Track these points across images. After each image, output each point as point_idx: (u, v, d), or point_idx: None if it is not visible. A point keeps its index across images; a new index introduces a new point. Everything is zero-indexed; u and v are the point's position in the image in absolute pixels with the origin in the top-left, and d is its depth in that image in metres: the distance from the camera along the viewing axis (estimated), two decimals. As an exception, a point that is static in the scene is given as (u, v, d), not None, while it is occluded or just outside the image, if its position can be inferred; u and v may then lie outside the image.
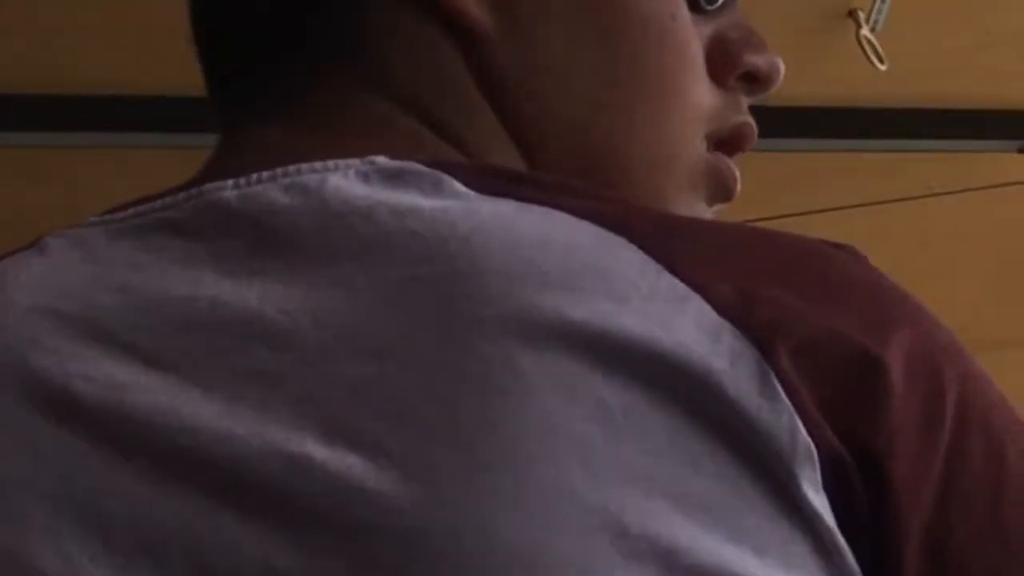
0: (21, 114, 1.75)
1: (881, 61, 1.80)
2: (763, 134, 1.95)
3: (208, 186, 0.65)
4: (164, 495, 0.57)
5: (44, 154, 1.80)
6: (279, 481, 0.56)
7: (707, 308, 0.58)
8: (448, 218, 0.60)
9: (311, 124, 0.71)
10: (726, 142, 0.80)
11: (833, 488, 0.56)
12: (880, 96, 1.89)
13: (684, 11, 0.75)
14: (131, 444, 0.58)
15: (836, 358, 0.58)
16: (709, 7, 0.77)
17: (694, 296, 0.58)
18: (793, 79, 1.84)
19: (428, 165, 0.63)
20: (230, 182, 0.65)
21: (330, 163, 0.64)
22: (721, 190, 0.80)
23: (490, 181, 0.63)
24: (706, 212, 0.79)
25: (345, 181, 0.63)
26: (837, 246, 0.65)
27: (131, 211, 0.67)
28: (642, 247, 0.60)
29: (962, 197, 2.02)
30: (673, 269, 0.59)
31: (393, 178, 0.63)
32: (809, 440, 0.56)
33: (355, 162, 0.64)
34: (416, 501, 0.54)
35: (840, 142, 1.93)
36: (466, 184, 0.63)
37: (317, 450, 0.56)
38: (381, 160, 0.64)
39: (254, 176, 0.65)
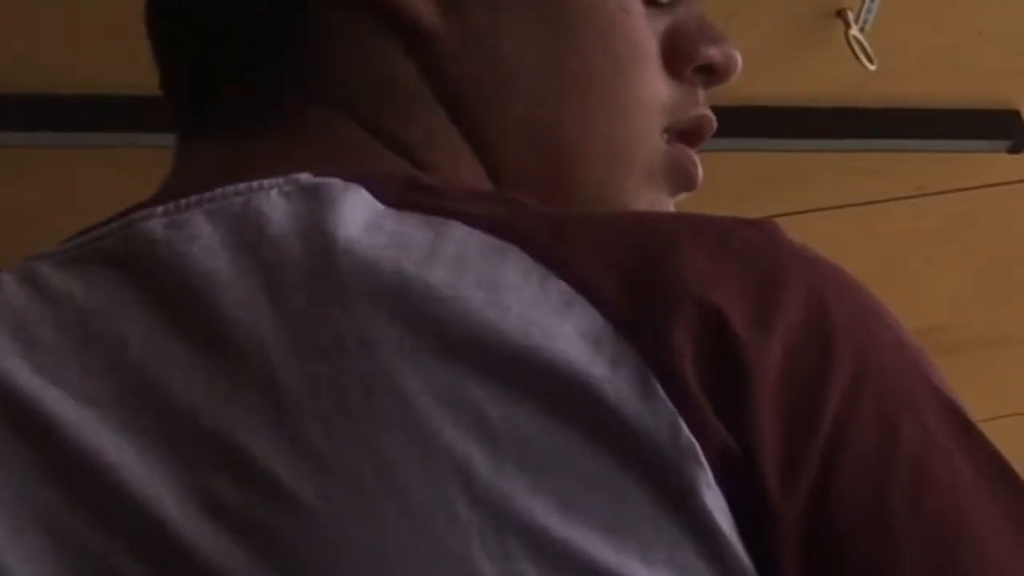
0: (17, 114, 1.74)
1: (870, 60, 1.80)
2: (752, 133, 1.96)
3: (137, 215, 0.65)
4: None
5: (40, 154, 1.79)
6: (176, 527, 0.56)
7: (591, 311, 0.57)
8: (350, 235, 0.60)
9: (252, 137, 0.70)
10: (686, 134, 0.79)
11: (729, 482, 0.55)
12: (869, 95, 1.89)
13: (637, 4, 0.74)
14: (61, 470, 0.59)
15: (716, 344, 0.56)
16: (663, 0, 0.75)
17: (579, 299, 0.57)
18: (782, 78, 1.85)
19: (346, 179, 0.63)
20: (159, 209, 0.65)
21: (254, 184, 0.64)
22: (683, 181, 0.79)
23: (404, 193, 0.63)
24: (669, 204, 0.78)
25: (267, 203, 0.63)
26: (746, 222, 0.63)
27: (74, 242, 0.67)
28: (531, 252, 0.59)
29: (951, 197, 2.02)
30: (561, 272, 0.58)
31: (310, 195, 0.62)
32: (692, 438, 0.55)
33: (279, 181, 0.63)
34: (308, 541, 0.54)
35: (829, 142, 1.93)
36: (380, 198, 0.62)
37: (219, 486, 0.56)
38: (304, 176, 0.64)
39: (183, 202, 0.65)
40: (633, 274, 0.58)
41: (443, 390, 0.55)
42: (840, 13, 1.80)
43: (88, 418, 0.59)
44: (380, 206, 0.62)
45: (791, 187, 1.97)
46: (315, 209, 0.61)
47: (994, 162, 2.01)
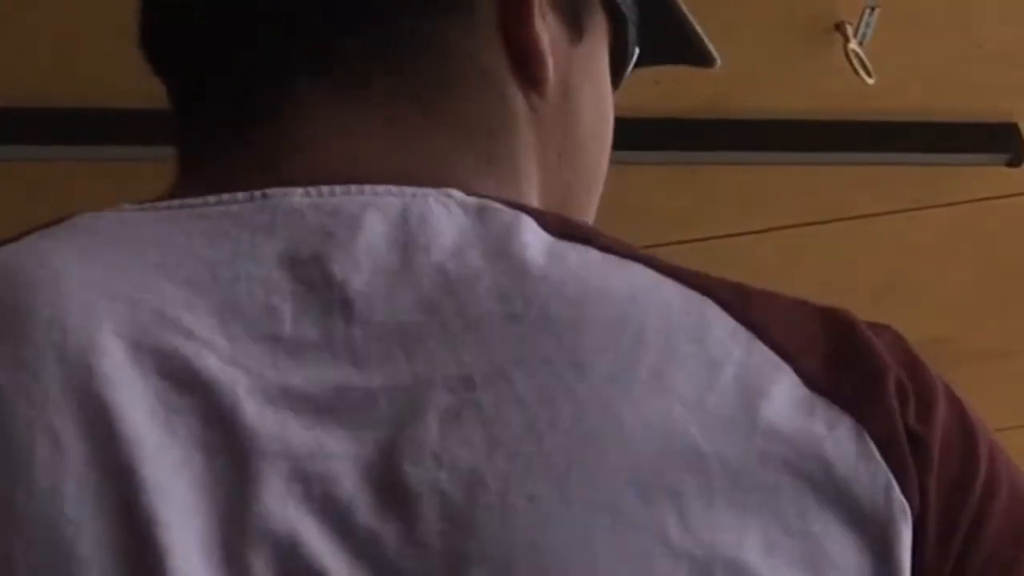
0: (16, 127, 1.74)
1: (868, 74, 1.80)
2: (751, 147, 1.96)
3: (273, 190, 0.66)
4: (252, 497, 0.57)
5: (40, 168, 1.79)
6: (369, 504, 0.57)
7: (797, 379, 0.63)
8: (539, 260, 0.64)
9: (366, 136, 0.71)
10: None
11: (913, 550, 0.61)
12: (868, 109, 1.90)
13: None
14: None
15: (895, 435, 0.62)
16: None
17: (784, 366, 0.63)
18: (781, 92, 1.85)
19: (506, 204, 0.67)
20: (300, 190, 0.65)
21: (407, 189, 0.66)
22: None
23: (563, 228, 0.67)
24: None
25: (429, 211, 0.65)
26: (879, 326, 0.68)
27: (181, 202, 0.67)
28: (729, 311, 0.64)
29: (949, 210, 2.03)
30: (763, 336, 0.63)
31: (476, 213, 0.66)
32: (904, 499, 0.61)
33: (432, 192, 0.66)
34: (509, 533, 0.57)
35: (829, 155, 1.93)
36: (544, 228, 0.66)
37: (410, 468, 0.58)
38: (458, 194, 0.67)
39: (325, 189, 0.66)
40: (834, 350, 0.64)
41: (657, 420, 0.59)
42: (839, 27, 1.81)
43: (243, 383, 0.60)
44: (549, 236, 0.66)
45: (791, 200, 1.97)
46: (494, 230, 0.65)
47: (992, 175, 2.01)
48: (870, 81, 1.80)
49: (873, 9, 1.79)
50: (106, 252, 0.64)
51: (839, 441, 0.61)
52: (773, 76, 1.85)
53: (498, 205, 0.66)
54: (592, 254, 0.65)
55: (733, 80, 1.83)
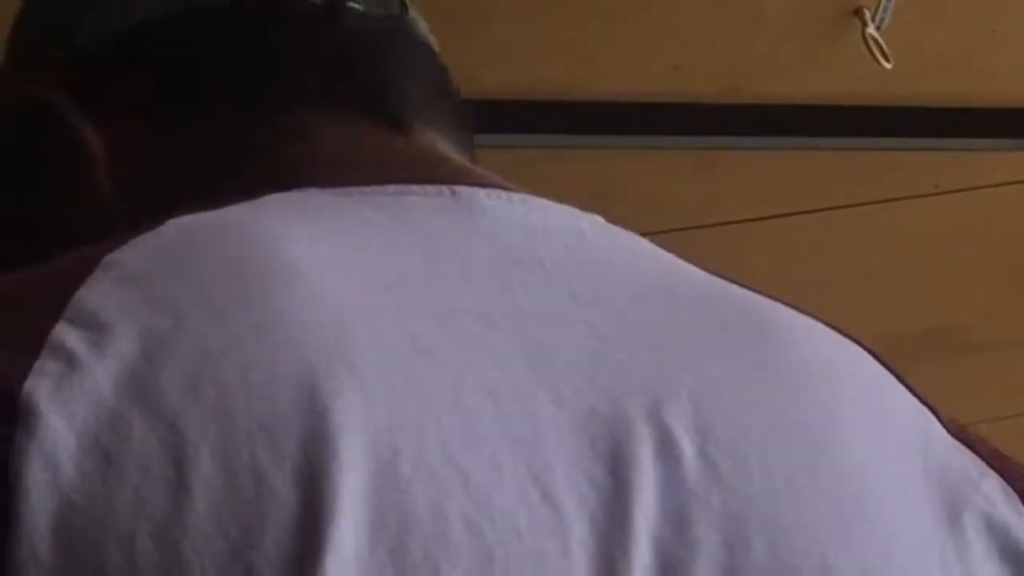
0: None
1: (887, 59, 1.80)
2: (770, 132, 1.96)
3: (460, 188, 0.68)
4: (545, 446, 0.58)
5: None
6: (653, 460, 0.59)
7: (941, 427, 0.66)
8: (741, 303, 0.69)
9: (423, 136, 0.77)
10: None
11: None
12: (886, 94, 1.90)
13: None
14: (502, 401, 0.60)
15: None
16: None
17: (930, 415, 0.67)
18: (799, 77, 1.86)
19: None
20: (481, 191, 0.68)
21: (556, 205, 0.70)
22: None
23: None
24: None
25: (584, 224, 0.70)
26: None
27: (367, 188, 0.69)
28: (874, 356, 0.70)
29: (968, 195, 2.03)
30: (906, 386, 0.68)
31: (630, 237, 0.70)
32: None
33: (581, 213, 0.70)
34: (776, 505, 0.59)
35: (847, 140, 1.94)
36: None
37: (681, 434, 0.60)
38: (599, 219, 0.71)
39: (503, 193, 0.69)
40: (985, 445, 0.68)
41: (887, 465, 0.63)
42: (857, 12, 1.81)
43: None
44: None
45: (806, 186, 1.98)
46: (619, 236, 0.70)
47: (1011, 161, 2.02)
48: (888, 66, 1.80)
49: (891, -5, 1.80)
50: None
51: (992, 488, 0.65)
52: (792, 62, 1.85)
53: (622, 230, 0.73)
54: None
55: (752, 66, 1.83)
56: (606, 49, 1.67)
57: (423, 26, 0.84)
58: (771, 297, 0.70)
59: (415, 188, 0.68)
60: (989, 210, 2.07)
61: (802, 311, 0.69)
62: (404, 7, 0.82)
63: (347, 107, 0.76)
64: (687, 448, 0.59)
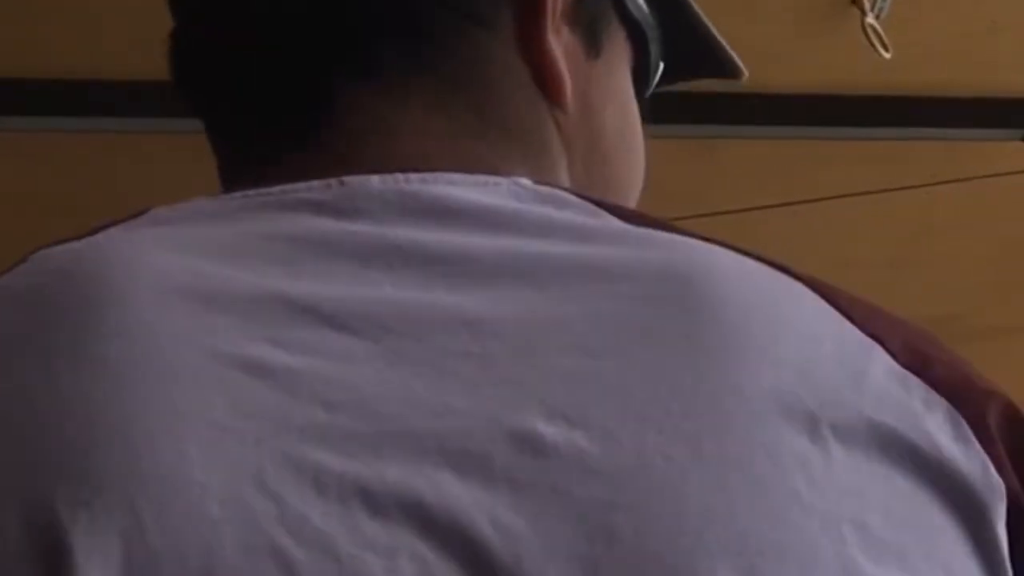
0: (20, 99, 1.75)
1: (886, 49, 1.80)
2: (767, 120, 1.96)
3: (350, 178, 0.67)
4: (375, 455, 0.57)
5: (42, 138, 1.80)
6: (506, 454, 0.57)
7: (888, 359, 0.64)
8: (647, 242, 0.66)
9: (428, 133, 0.74)
10: None
11: (1009, 528, 0.63)
12: (884, 84, 1.90)
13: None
14: (336, 408, 0.58)
15: (985, 421, 0.65)
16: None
17: (876, 346, 0.64)
18: (798, 66, 1.85)
19: (572, 193, 0.69)
20: (375, 178, 0.67)
21: (473, 177, 0.68)
22: None
23: (630, 216, 0.69)
24: None
25: (495, 197, 0.67)
26: None
27: (257, 192, 0.68)
28: (816, 291, 0.66)
29: (965, 185, 2.03)
30: (849, 318, 0.65)
31: (547, 200, 0.68)
32: (1000, 479, 0.63)
33: (501, 179, 0.68)
34: (649, 483, 0.58)
35: (844, 130, 1.94)
36: (618, 216, 0.68)
37: (543, 427, 0.58)
38: (526, 182, 0.69)
39: (400, 176, 0.67)
40: (917, 338, 0.67)
41: (772, 388, 0.61)
42: (856, 2, 1.81)
43: (366, 356, 0.60)
44: (628, 225, 0.68)
45: (805, 175, 1.98)
46: (565, 210, 0.68)
47: (1009, 151, 2.02)
48: (887, 56, 1.80)
49: (890, -16, 1.79)
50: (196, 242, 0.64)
51: (937, 422, 0.63)
52: (789, 50, 1.85)
53: (565, 193, 0.69)
54: (675, 237, 0.67)
55: (750, 54, 1.83)
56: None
57: None
58: (710, 240, 0.68)
59: (302, 186, 0.67)
60: (988, 199, 2.07)
61: (740, 250, 0.68)
62: None
63: (275, 93, 0.75)
64: (549, 438, 0.58)
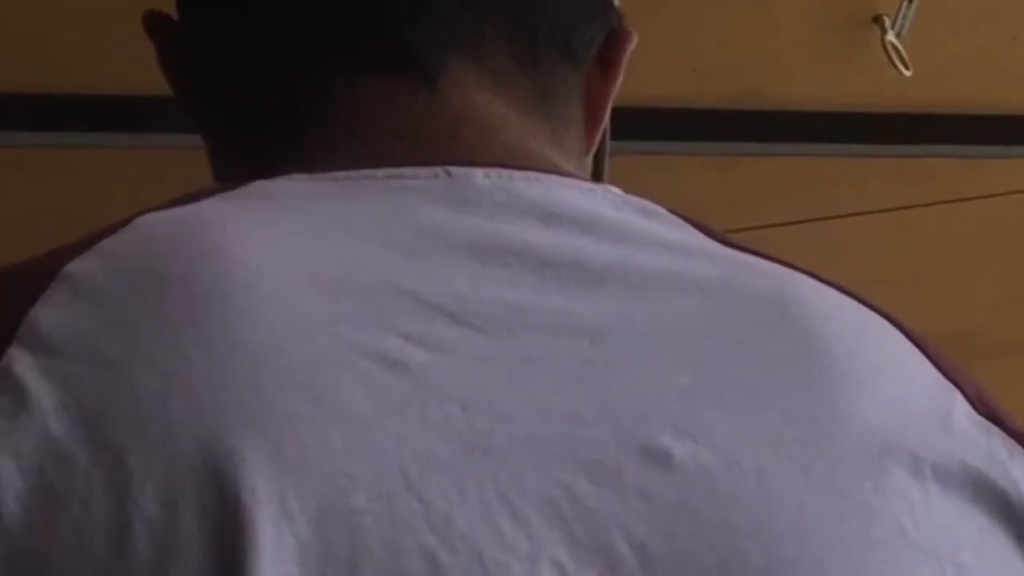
0: (23, 113, 1.74)
1: (906, 67, 1.80)
2: (788, 137, 1.96)
3: (455, 169, 0.66)
4: (512, 458, 0.56)
5: (45, 153, 1.79)
6: (637, 467, 0.57)
7: (967, 405, 0.65)
8: (740, 264, 0.67)
9: (520, 133, 0.73)
10: None
11: None
12: (905, 101, 1.90)
13: None
14: (471, 408, 0.57)
15: None
16: None
17: (956, 391, 0.65)
18: (818, 83, 1.86)
19: (662, 206, 0.69)
20: (479, 171, 0.66)
21: (570, 180, 0.68)
22: None
23: (717, 235, 0.70)
24: None
25: (595, 203, 0.67)
26: None
27: (357, 172, 0.66)
28: (897, 327, 0.68)
29: (986, 202, 2.03)
30: (929, 358, 0.66)
31: (642, 211, 0.68)
32: None
33: (595, 186, 0.68)
34: (770, 509, 0.58)
35: (864, 147, 1.94)
36: (705, 234, 0.69)
37: (671, 442, 0.58)
38: (617, 191, 0.68)
39: (504, 172, 0.66)
40: (984, 391, 0.67)
41: (873, 420, 0.62)
42: (877, 19, 1.81)
43: (493, 355, 0.60)
44: (716, 243, 0.70)
45: (826, 191, 1.98)
46: (666, 226, 0.68)
47: (1028, 167, 2.02)
48: (907, 73, 1.80)
49: (911, 2, 1.79)
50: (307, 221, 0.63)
51: (1021, 471, 0.64)
52: (811, 67, 1.85)
53: (656, 207, 0.69)
54: (762, 260, 0.68)
55: (771, 71, 1.83)
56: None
57: None
58: (793, 266, 0.69)
59: (407, 171, 0.65)
60: (1007, 216, 2.06)
61: (824, 280, 0.68)
62: None
63: (374, 56, 0.72)
64: (677, 454, 0.58)
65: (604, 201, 0.68)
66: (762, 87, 1.85)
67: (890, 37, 1.80)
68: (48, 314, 0.55)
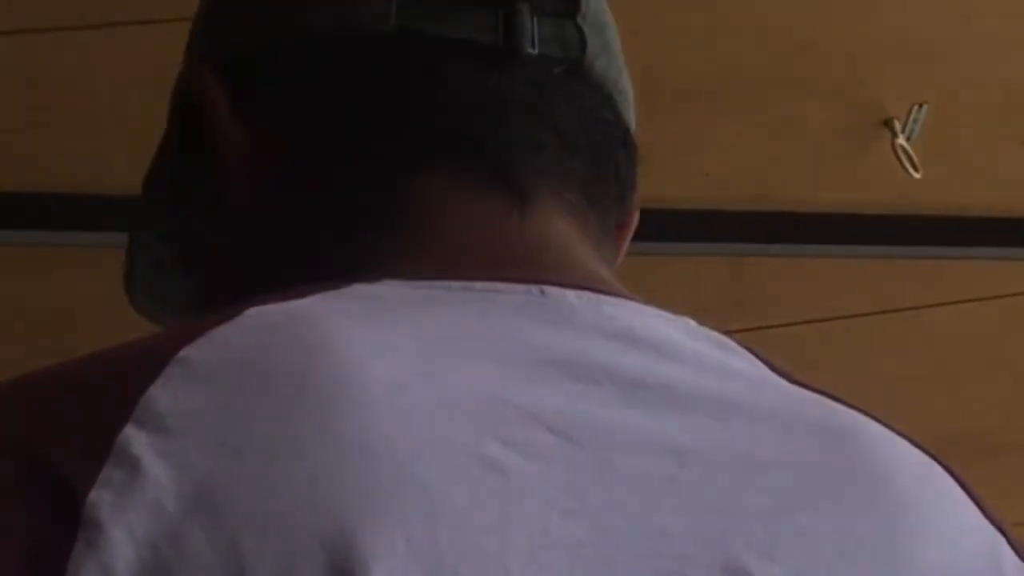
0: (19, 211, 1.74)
1: (916, 169, 1.82)
2: (797, 239, 1.96)
3: (549, 289, 0.67)
4: (607, 570, 0.57)
5: (43, 252, 1.79)
6: None
7: (1012, 553, 0.67)
8: (810, 401, 0.69)
9: (596, 258, 0.76)
10: None
11: None
12: (914, 203, 1.92)
13: None
14: (569, 516, 0.58)
15: None
16: None
17: (1002, 538, 0.67)
18: (827, 185, 1.87)
19: (733, 340, 0.71)
20: (570, 292, 0.68)
21: (650, 308, 0.70)
22: None
23: (784, 373, 0.71)
24: None
25: (675, 332, 0.69)
26: None
27: (455, 283, 0.67)
28: (947, 471, 0.70)
29: (996, 303, 2.04)
30: (977, 504, 0.69)
31: (717, 344, 0.70)
32: None
33: (672, 315, 0.70)
34: None
35: (875, 248, 1.95)
36: (772, 370, 0.71)
37: (755, 564, 0.59)
38: (691, 322, 0.70)
39: (592, 295, 0.69)
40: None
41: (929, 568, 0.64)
42: (887, 123, 1.83)
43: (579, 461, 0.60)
44: (781, 379, 0.71)
45: (838, 292, 1.99)
46: (740, 360, 0.70)
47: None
48: (917, 176, 1.82)
49: (921, 106, 1.81)
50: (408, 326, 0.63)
51: None
52: (821, 170, 1.87)
53: (730, 341, 0.71)
54: (826, 399, 0.70)
55: (782, 174, 1.85)
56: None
57: (605, 61, 0.80)
58: (858, 409, 0.70)
59: (502, 286, 0.67)
60: (1017, 317, 2.07)
61: (888, 426, 0.70)
62: (583, 44, 0.78)
63: (472, 173, 0.74)
64: (756, 574, 0.59)
65: (682, 330, 0.69)
66: (772, 189, 1.87)
67: (900, 141, 1.82)
68: (165, 396, 0.56)
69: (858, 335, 2.00)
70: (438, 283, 0.67)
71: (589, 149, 0.77)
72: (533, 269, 0.70)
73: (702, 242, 1.85)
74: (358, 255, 0.72)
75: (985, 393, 2.13)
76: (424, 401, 0.58)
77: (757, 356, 0.71)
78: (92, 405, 0.57)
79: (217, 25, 0.82)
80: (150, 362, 0.57)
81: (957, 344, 2.08)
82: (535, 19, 0.76)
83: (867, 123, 1.84)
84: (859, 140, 1.85)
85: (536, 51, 0.76)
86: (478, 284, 0.67)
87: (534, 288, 0.67)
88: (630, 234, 0.83)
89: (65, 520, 0.52)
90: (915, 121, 1.82)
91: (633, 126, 0.83)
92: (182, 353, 0.58)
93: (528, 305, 0.66)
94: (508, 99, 0.75)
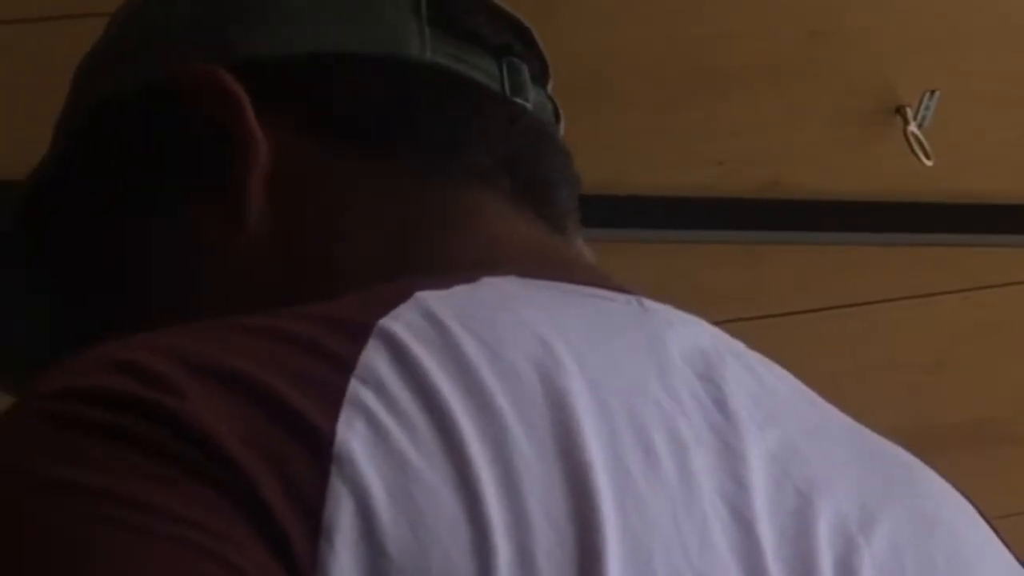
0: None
1: (927, 157, 1.82)
2: (810, 226, 1.97)
3: (645, 301, 0.70)
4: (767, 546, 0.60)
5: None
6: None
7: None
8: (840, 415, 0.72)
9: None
10: None
11: None
12: (928, 190, 1.92)
13: None
14: (736, 498, 0.61)
15: None
16: None
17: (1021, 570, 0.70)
18: (839, 173, 1.87)
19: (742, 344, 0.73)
20: (646, 301, 0.70)
21: (683, 313, 0.71)
22: None
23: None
24: None
25: (710, 341, 0.70)
26: None
27: (566, 283, 0.70)
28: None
29: (1007, 290, 2.04)
30: (1002, 542, 0.71)
31: (739, 356, 0.70)
32: None
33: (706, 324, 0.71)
34: None
35: (886, 235, 1.95)
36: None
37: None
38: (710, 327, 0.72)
39: (644, 300, 0.71)
40: None
41: None
42: (899, 110, 1.83)
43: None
44: None
45: (849, 279, 1.99)
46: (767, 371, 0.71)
47: (1051, 256, 2.03)
48: (928, 163, 1.82)
49: (933, 93, 1.82)
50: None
51: None
52: (834, 158, 1.87)
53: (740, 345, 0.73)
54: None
55: (794, 161, 1.85)
56: (650, 144, 1.69)
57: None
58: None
59: (600, 292, 0.69)
60: (1029, 305, 2.08)
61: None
62: (557, 117, 0.84)
63: (519, 196, 0.77)
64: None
65: (706, 332, 0.71)
66: (784, 177, 1.87)
67: (912, 128, 1.82)
68: (377, 363, 0.57)
69: (870, 321, 2.01)
70: (544, 283, 0.69)
71: (576, 185, 0.83)
72: (605, 279, 0.72)
73: (715, 229, 1.85)
74: (426, 258, 0.74)
75: (997, 381, 2.14)
76: (603, 380, 0.61)
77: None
78: (313, 359, 0.57)
79: (248, 25, 0.79)
80: (357, 328, 0.59)
81: (969, 331, 2.08)
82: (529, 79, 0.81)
83: (879, 110, 1.84)
84: (871, 127, 1.85)
85: (530, 106, 0.80)
86: (585, 288, 0.69)
87: (632, 298, 0.70)
88: None
89: (318, 456, 0.53)
90: (927, 108, 1.83)
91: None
92: (381, 324, 0.59)
93: (632, 314, 0.69)
94: (535, 138, 0.80)
